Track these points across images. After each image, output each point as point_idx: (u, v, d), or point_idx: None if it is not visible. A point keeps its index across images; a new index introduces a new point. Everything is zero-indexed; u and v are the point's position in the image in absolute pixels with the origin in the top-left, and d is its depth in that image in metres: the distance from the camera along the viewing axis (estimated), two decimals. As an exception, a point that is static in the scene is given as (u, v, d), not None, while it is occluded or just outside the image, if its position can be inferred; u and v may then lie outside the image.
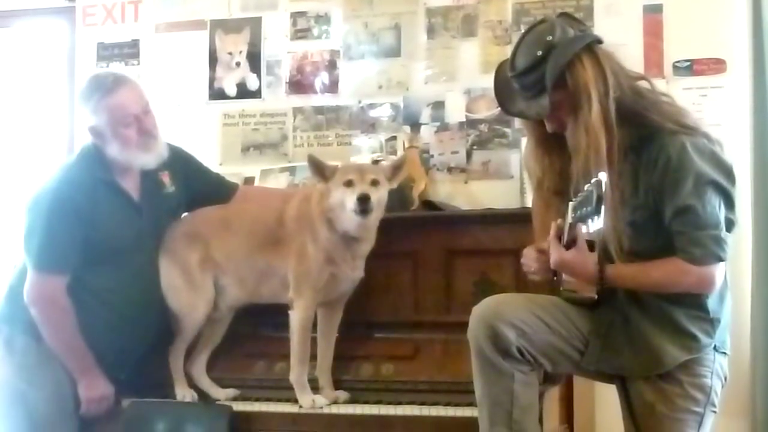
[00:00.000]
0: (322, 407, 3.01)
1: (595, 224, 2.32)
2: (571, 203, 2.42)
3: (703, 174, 2.50)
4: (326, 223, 3.03)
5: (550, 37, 2.55)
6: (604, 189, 2.32)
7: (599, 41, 2.60)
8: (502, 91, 2.71)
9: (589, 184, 2.32)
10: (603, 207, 2.30)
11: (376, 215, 3.02)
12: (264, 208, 3.27)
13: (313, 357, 3.11)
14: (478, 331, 2.56)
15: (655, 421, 2.62)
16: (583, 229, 2.41)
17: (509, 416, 2.55)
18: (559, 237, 2.55)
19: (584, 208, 2.32)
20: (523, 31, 3.73)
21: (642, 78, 2.69)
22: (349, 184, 2.98)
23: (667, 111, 2.59)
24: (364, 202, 2.93)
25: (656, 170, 2.53)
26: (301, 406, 3.02)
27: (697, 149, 2.51)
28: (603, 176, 2.30)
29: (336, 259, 3.05)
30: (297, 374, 3.05)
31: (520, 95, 2.63)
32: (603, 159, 2.49)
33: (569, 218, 2.43)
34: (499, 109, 3.72)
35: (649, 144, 2.55)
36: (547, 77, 2.52)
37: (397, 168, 3.09)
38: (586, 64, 2.54)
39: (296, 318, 3.06)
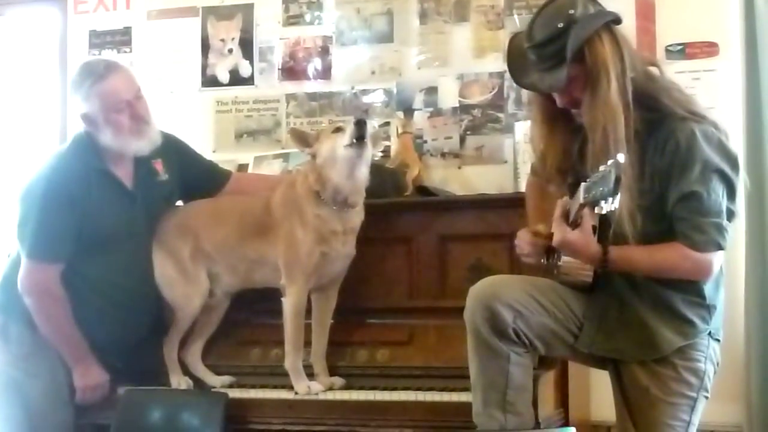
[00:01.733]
0: (317, 393, 3.01)
1: (609, 205, 2.26)
2: (584, 183, 2.38)
3: (710, 162, 2.50)
4: (313, 200, 3.04)
5: (572, 11, 2.51)
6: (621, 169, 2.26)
7: (618, 21, 2.57)
8: (515, 63, 2.67)
9: (605, 165, 2.28)
10: (620, 188, 2.25)
11: (365, 167, 3.03)
12: (251, 198, 3.27)
13: (308, 343, 3.11)
14: (475, 312, 2.57)
15: (649, 405, 2.62)
16: (595, 209, 2.35)
17: (503, 397, 2.56)
18: (564, 216, 2.53)
19: (600, 189, 2.27)
20: (515, 15, 3.76)
21: (653, 64, 2.69)
22: (338, 129, 3.05)
23: (677, 98, 2.58)
24: (360, 126, 2.97)
25: (664, 155, 2.52)
26: (296, 393, 3.02)
27: (706, 137, 2.51)
28: (621, 157, 2.26)
29: (326, 236, 3.04)
30: (292, 361, 3.05)
31: (534, 67, 2.58)
32: (622, 134, 2.47)
33: (581, 198, 2.39)
34: (492, 94, 3.78)
35: (658, 128, 2.54)
36: (568, 49, 2.48)
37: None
38: (605, 41, 2.51)
39: (289, 304, 3.06)
